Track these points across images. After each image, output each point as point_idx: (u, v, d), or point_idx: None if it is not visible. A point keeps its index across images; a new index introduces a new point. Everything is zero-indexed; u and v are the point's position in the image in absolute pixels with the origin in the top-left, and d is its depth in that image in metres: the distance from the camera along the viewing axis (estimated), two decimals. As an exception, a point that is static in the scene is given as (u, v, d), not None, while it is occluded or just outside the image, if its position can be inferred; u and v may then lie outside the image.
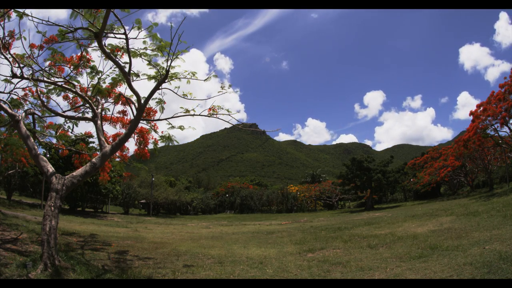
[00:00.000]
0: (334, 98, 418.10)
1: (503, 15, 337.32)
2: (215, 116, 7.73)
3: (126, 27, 6.04)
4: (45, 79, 7.92)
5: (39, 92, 8.72)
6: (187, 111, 7.78)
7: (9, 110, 7.07)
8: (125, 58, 7.05)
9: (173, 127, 8.52)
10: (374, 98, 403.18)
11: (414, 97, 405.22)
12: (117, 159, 12.24)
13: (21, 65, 7.34)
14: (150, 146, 9.54)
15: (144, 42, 6.68)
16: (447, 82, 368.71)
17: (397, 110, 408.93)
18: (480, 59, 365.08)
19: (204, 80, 7.33)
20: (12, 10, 6.37)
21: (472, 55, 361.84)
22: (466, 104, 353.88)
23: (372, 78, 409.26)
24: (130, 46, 6.27)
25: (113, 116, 9.82)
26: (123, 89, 8.72)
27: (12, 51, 7.47)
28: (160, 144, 9.17)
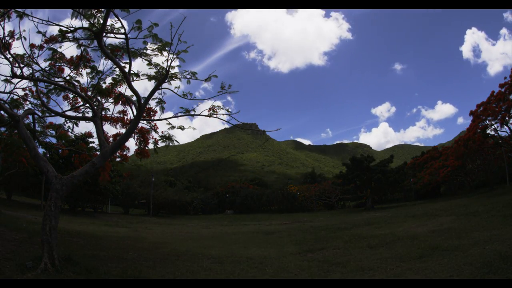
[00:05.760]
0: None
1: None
2: (215, 116, 7.73)
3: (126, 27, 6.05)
4: (45, 79, 7.92)
5: (39, 92, 8.72)
6: (187, 111, 7.79)
7: (9, 110, 7.07)
8: (125, 58, 7.06)
9: (173, 127, 8.52)
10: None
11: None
12: (118, 159, 12.24)
13: (21, 65, 7.34)
14: (151, 145, 9.54)
15: (144, 42, 6.68)
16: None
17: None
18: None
19: (205, 80, 7.33)
20: (12, 10, 6.37)
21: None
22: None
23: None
24: (130, 46, 6.27)
25: (113, 116, 9.81)
26: (123, 89, 8.72)
27: (12, 51, 7.48)
28: (160, 144, 9.18)
